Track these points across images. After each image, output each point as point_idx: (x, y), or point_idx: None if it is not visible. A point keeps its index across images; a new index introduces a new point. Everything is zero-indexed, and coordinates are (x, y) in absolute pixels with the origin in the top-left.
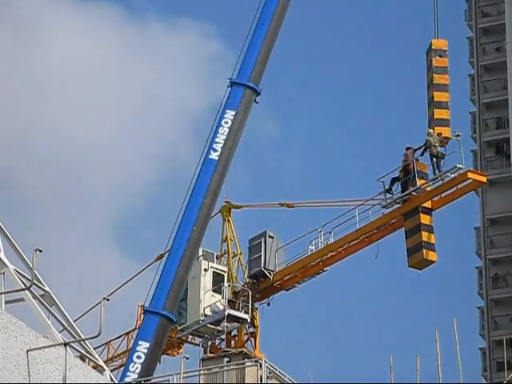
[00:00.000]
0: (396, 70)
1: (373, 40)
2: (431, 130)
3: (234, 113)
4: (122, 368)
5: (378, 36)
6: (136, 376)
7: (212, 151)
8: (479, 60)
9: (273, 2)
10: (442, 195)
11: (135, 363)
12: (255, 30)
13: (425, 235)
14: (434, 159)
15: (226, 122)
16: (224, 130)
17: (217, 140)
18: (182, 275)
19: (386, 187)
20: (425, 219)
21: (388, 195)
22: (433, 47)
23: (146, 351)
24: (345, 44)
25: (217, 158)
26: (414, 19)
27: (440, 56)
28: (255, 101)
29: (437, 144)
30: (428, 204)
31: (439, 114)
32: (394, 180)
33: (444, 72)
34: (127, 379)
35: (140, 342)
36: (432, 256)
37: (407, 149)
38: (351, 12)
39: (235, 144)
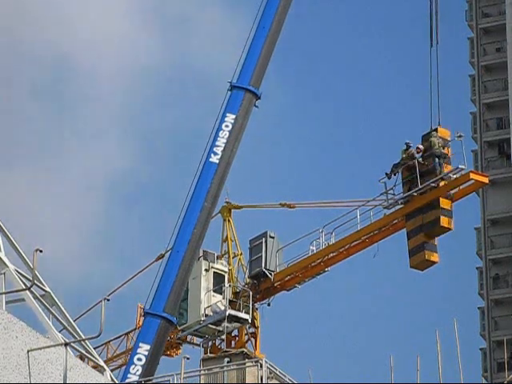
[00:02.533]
0: (397, 70)
1: (373, 41)
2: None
3: (234, 116)
4: (122, 368)
5: (378, 37)
6: (137, 378)
7: (212, 154)
8: (480, 60)
9: (273, 6)
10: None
11: (136, 365)
12: (255, 33)
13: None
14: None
15: (227, 126)
16: (224, 134)
17: (217, 143)
18: (182, 277)
19: (387, 173)
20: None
21: (389, 195)
22: (438, 135)
23: (146, 353)
24: (346, 44)
25: (217, 162)
26: (413, 18)
27: (444, 147)
28: (255, 105)
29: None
30: None
31: (445, 204)
32: (394, 166)
33: (448, 163)
34: (127, 381)
35: (141, 345)
36: (434, 257)
37: (408, 146)
38: (350, 12)
39: (236, 148)
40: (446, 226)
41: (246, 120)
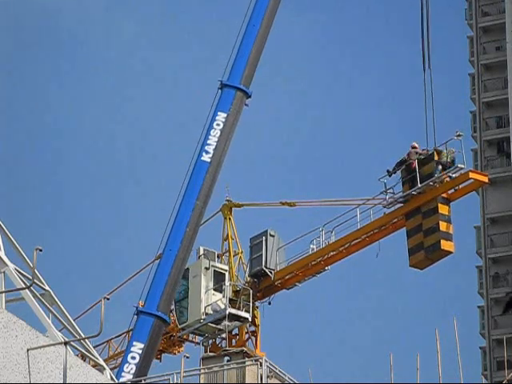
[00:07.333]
0: (396, 69)
1: (372, 40)
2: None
3: (225, 115)
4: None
5: (378, 35)
6: (131, 377)
7: (204, 153)
8: (479, 59)
9: (263, 4)
10: (443, 195)
11: (130, 364)
12: (245, 32)
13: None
14: (440, 166)
15: (218, 124)
16: (216, 132)
17: (209, 142)
18: (175, 276)
19: (390, 170)
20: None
21: (389, 194)
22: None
23: (140, 352)
24: (345, 43)
25: (209, 160)
26: (411, 17)
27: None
28: (245, 104)
29: (448, 155)
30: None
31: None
32: (397, 164)
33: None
34: (122, 380)
35: (134, 343)
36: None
37: (413, 147)
38: (344, 11)
39: (227, 146)
40: (446, 249)
41: (237, 119)
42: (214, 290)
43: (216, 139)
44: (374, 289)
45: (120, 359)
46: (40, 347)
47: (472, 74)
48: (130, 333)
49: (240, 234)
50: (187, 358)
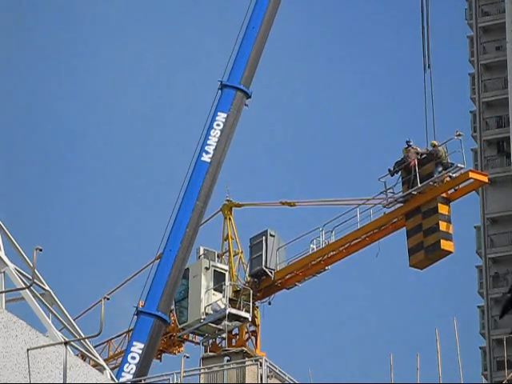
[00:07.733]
0: (396, 69)
1: (372, 40)
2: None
3: (225, 115)
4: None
5: (378, 35)
6: (131, 377)
7: (204, 153)
8: (479, 59)
9: (263, 5)
10: (443, 195)
11: (130, 364)
12: (245, 32)
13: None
14: (440, 168)
15: (218, 125)
16: (216, 133)
17: (209, 142)
18: (175, 276)
19: (390, 169)
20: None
21: (389, 194)
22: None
23: (140, 352)
24: (344, 42)
25: (209, 161)
26: (410, 16)
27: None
28: (245, 104)
29: (447, 155)
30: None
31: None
32: (397, 164)
33: (449, 173)
34: (122, 380)
35: (135, 343)
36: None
37: (408, 144)
38: (344, 11)
39: (227, 146)
40: (446, 249)
41: (238, 119)
42: (214, 289)
43: (216, 139)
44: (374, 289)
45: (120, 359)
46: (40, 347)
47: (472, 73)
48: (130, 333)
49: (240, 234)
50: (187, 357)
